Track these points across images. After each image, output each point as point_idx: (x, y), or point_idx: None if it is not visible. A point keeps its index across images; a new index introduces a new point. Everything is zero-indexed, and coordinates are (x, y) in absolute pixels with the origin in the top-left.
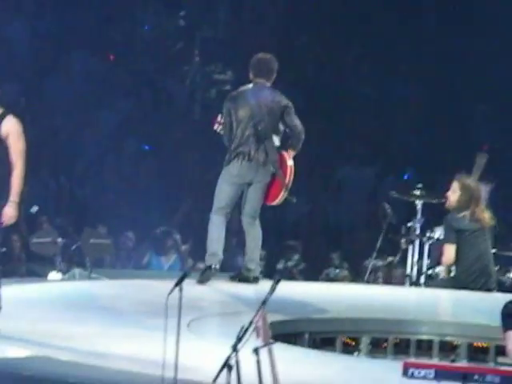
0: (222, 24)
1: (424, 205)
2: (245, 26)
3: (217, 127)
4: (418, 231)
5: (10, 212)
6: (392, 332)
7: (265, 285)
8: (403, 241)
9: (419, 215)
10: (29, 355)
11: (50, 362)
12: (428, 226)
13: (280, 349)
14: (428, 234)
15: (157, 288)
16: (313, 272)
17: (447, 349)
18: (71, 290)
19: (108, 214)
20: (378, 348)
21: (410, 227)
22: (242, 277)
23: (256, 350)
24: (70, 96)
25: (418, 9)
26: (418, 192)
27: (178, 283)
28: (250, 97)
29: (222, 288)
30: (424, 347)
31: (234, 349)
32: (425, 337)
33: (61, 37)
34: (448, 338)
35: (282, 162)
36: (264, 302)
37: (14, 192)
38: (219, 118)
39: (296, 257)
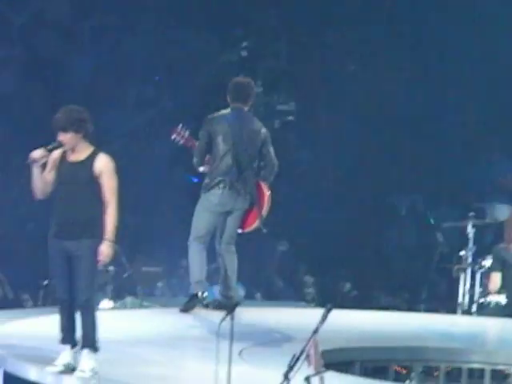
0: (284, 54)
1: (476, 233)
2: (307, 55)
3: (175, 137)
4: (469, 259)
5: (107, 251)
6: (444, 360)
7: (316, 313)
8: (455, 269)
9: (471, 244)
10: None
11: None
12: (479, 254)
13: (332, 377)
14: (480, 263)
15: (208, 317)
16: (364, 300)
17: (499, 377)
18: (122, 319)
19: (160, 242)
20: (429, 376)
21: (461, 256)
22: (220, 305)
23: (308, 379)
24: (124, 126)
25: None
26: (470, 220)
27: (230, 312)
28: (231, 123)
29: (273, 316)
30: (476, 376)
31: (286, 377)
32: (476, 365)
33: (117, 67)
34: (500, 367)
35: (260, 191)
36: (315, 331)
37: (109, 230)
38: (179, 129)
39: (348, 285)
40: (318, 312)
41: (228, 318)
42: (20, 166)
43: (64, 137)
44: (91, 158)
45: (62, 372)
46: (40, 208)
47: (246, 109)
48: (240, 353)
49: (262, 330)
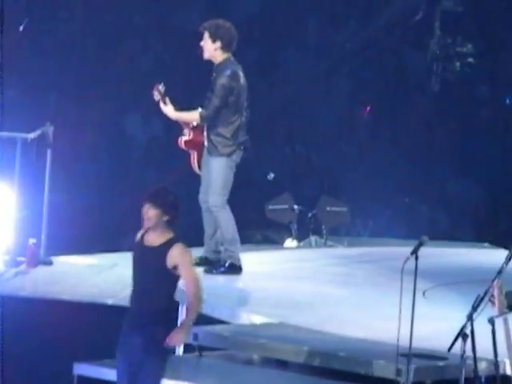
0: None
1: None
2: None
3: (156, 96)
4: None
5: (180, 337)
6: None
7: (500, 254)
8: None
9: None
10: (264, 322)
11: (285, 328)
12: None
13: None
14: None
15: (392, 256)
16: None
17: None
18: (307, 258)
19: (344, 181)
20: None
21: None
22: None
23: (491, 320)
24: (304, 64)
25: None
26: None
27: (414, 251)
28: (243, 78)
29: (454, 258)
30: None
31: (470, 318)
32: None
33: (296, 4)
34: None
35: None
36: (499, 272)
37: (190, 317)
38: (160, 87)
39: None
40: (502, 253)
41: (411, 257)
42: None
43: (151, 212)
44: (167, 245)
45: None
46: None
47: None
48: (424, 293)
49: (443, 271)
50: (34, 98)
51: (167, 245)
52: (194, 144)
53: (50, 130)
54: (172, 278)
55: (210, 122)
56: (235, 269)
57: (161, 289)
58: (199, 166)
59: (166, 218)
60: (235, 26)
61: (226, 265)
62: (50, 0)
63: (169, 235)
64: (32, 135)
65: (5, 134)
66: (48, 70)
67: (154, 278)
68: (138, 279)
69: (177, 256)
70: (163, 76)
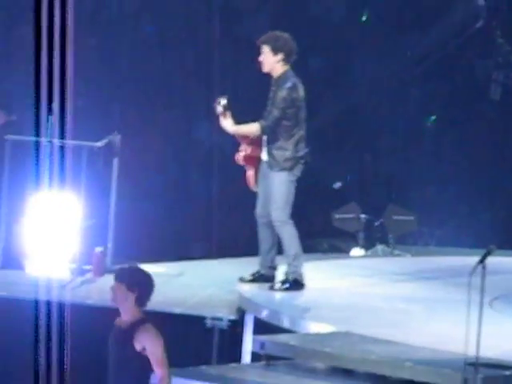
0: None
1: None
2: None
3: (217, 109)
4: None
5: None
6: None
7: None
8: None
9: None
10: (331, 331)
11: (351, 337)
12: None
13: None
14: None
15: (459, 265)
16: None
17: None
18: (374, 266)
19: (412, 190)
20: None
21: None
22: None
23: None
24: (371, 72)
25: None
26: None
27: (482, 260)
28: (302, 91)
29: None
30: None
31: None
32: None
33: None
34: None
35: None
36: None
37: None
38: (222, 100)
39: None
40: None
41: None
42: None
43: (117, 289)
44: (135, 326)
45: None
46: None
47: None
48: (491, 303)
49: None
50: (101, 107)
51: (135, 326)
52: (253, 159)
53: (116, 138)
54: (140, 360)
55: (269, 134)
56: (299, 285)
57: (131, 371)
58: (256, 182)
59: (132, 294)
60: (300, 31)
61: (290, 281)
62: (116, 11)
63: (138, 315)
64: (99, 144)
65: (72, 142)
66: (114, 79)
67: (124, 359)
68: (111, 360)
69: (145, 341)
70: (227, 84)
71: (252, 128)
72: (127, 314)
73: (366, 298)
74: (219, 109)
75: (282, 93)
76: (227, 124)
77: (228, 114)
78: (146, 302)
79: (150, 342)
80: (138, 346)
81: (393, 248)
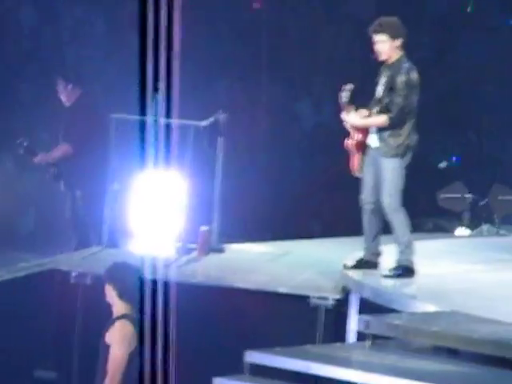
0: None
1: None
2: None
3: (343, 98)
4: None
5: None
6: None
7: None
8: None
9: None
10: (435, 310)
11: (456, 316)
12: None
13: None
14: None
15: None
16: None
17: None
18: (479, 246)
19: None
20: None
21: None
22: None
23: None
24: (478, 49)
25: None
26: None
27: None
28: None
29: None
30: None
31: None
32: None
33: None
34: None
35: None
36: None
37: None
38: (348, 88)
39: None
40: None
41: None
42: None
43: (106, 288)
44: (111, 321)
45: None
46: None
47: None
48: None
49: None
50: (207, 86)
51: (113, 320)
52: (362, 146)
53: (222, 117)
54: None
55: (398, 125)
56: (410, 272)
57: (102, 363)
58: (361, 168)
59: (113, 290)
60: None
61: (403, 267)
62: None
63: (121, 311)
64: (204, 123)
65: (178, 121)
66: (220, 57)
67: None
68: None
69: (112, 334)
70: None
71: (379, 120)
72: (113, 307)
73: (471, 278)
74: (344, 99)
75: (401, 78)
76: (353, 118)
77: (351, 107)
78: (129, 294)
79: (114, 341)
80: (107, 340)
81: (498, 228)
